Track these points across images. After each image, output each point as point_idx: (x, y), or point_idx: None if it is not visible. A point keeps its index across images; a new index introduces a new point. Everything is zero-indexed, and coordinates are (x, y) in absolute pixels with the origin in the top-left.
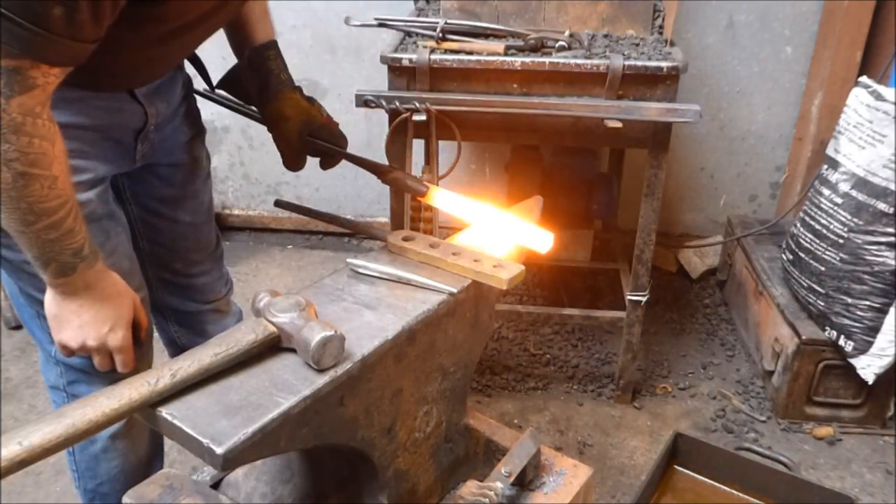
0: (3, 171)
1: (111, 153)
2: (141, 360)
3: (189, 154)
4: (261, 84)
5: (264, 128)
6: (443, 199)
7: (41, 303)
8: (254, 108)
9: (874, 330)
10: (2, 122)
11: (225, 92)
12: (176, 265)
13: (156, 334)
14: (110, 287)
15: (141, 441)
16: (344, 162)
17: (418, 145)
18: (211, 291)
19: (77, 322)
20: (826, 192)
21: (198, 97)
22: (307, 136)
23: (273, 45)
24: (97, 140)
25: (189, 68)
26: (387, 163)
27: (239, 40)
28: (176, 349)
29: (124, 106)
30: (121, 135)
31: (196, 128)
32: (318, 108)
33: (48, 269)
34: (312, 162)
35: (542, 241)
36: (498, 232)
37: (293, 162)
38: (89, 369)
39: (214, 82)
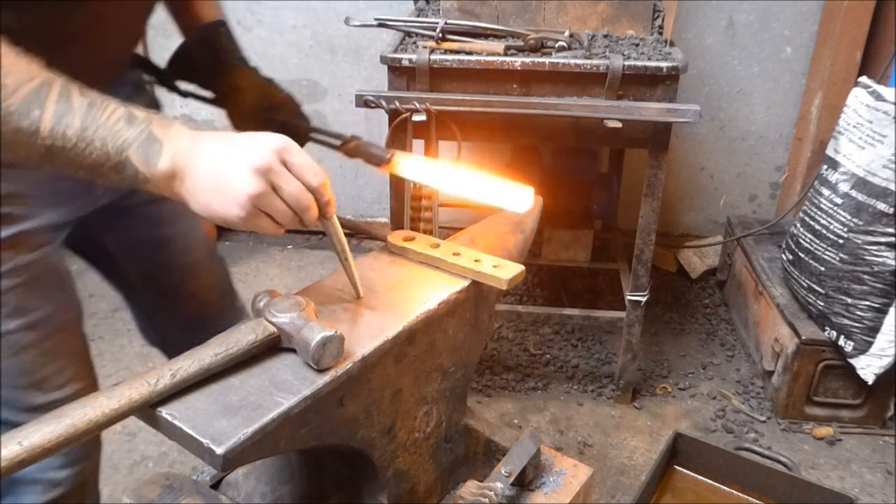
0: None
1: (61, 193)
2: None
3: None
4: (212, 59)
5: None
6: (410, 166)
7: None
8: (208, 90)
9: (874, 330)
10: None
11: (175, 75)
12: (186, 310)
13: None
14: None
15: None
16: (344, 161)
17: (418, 145)
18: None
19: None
20: (826, 192)
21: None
22: (264, 113)
23: (223, 24)
24: (38, 177)
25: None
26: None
27: (185, 23)
28: None
29: None
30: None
31: None
32: (276, 86)
33: (122, 174)
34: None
35: (522, 199)
36: (474, 194)
37: None
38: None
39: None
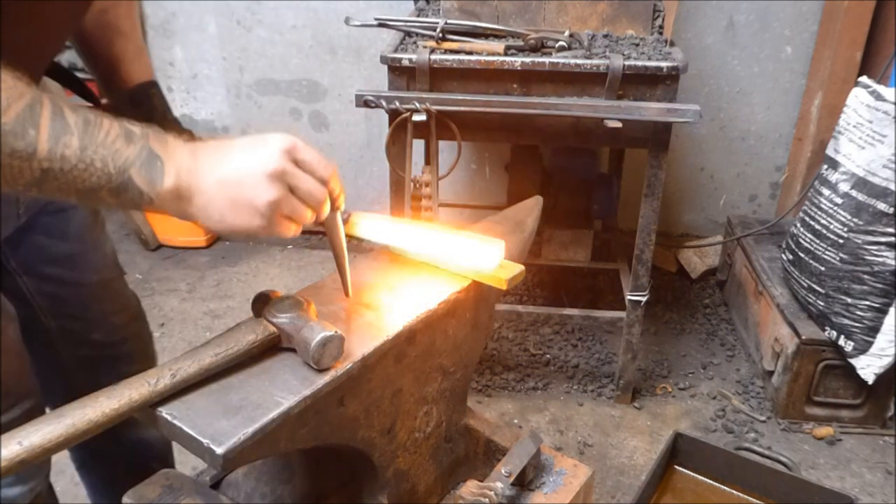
0: None
1: None
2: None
3: None
4: (144, 122)
5: (264, 128)
6: (368, 226)
7: None
8: None
9: (874, 330)
10: None
11: None
12: (95, 336)
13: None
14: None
15: None
16: (344, 161)
17: (418, 145)
18: (142, 357)
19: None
20: (826, 192)
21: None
22: None
23: (155, 85)
24: None
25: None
26: (387, 165)
27: (115, 81)
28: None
29: None
30: None
31: None
32: None
33: (123, 198)
34: None
35: (490, 254)
36: (439, 253)
37: None
38: None
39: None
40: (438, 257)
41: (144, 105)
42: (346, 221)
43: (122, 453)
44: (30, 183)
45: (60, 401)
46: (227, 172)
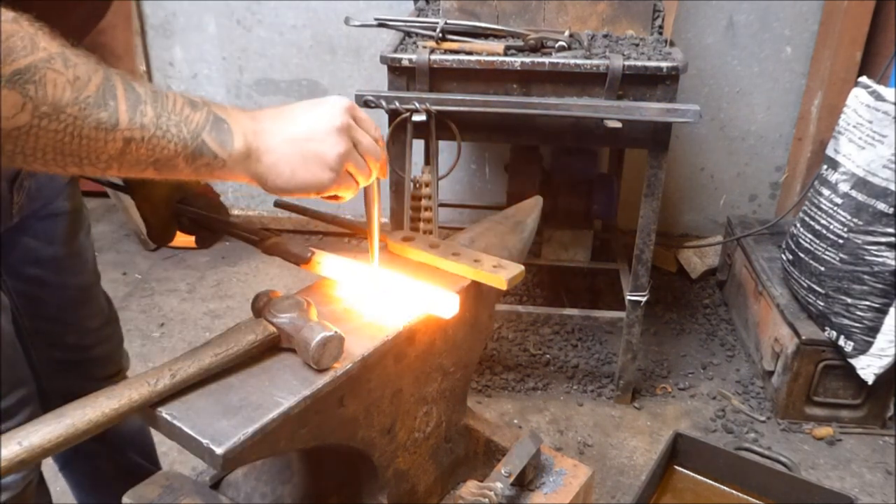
0: None
1: None
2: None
3: (71, 200)
4: None
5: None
6: (331, 266)
7: None
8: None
9: (874, 330)
10: None
11: None
12: (68, 339)
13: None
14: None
15: None
16: None
17: (418, 145)
18: (110, 361)
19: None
20: (826, 192)
21: None
22: (178, 204)
23: None
24: None
25: None
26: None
27: None
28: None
29: None
30: None
31: None
32: None
33: (196, 163)
34: None
35: (447, 303)
36: (400, 294)
37: (159, 234)
38: None
39: None
40: (396, 299)
41: None
42: (308, 260)
43: (105, 450)
44: (112, 157)
45: (46, 407)
46: (295, 130)
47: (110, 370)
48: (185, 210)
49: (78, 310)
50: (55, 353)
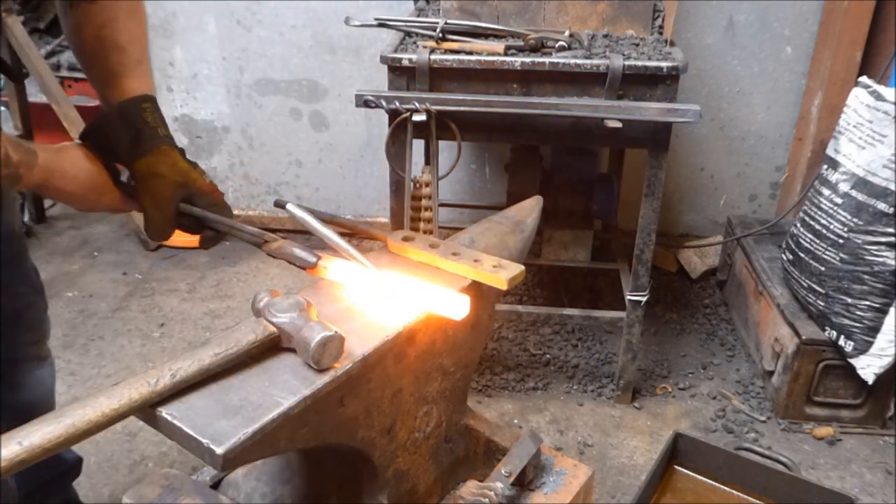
0: None
1: None
2: None
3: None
4: (133, 137)
5: (264, 128)
6: (339, 271)
7: None
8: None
9: (874, 330)
10: None
11: (92, 147)
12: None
13: None
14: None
15: None
16: (344, 161)
17: (418, 145)
18: (36, 326)
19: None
20: (826, 192)
21: None
22: (182, 203)
23: (150, 99)
24: None
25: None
26: (387, 165)
27: (108, 94)
28: None
29: None
30: None
31: None
32: (199, 173)
33: None
34: (311, 161)
35: (458, 304)
36: (408, 297)
37: (160, 229)
38: None
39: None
40: (407, 301)
41: (134, 119)
42: (315, 266)
43: None
44: None
45: None
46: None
47: (33, 335)
48: (188, 209)
49: (11, 276)
50: None
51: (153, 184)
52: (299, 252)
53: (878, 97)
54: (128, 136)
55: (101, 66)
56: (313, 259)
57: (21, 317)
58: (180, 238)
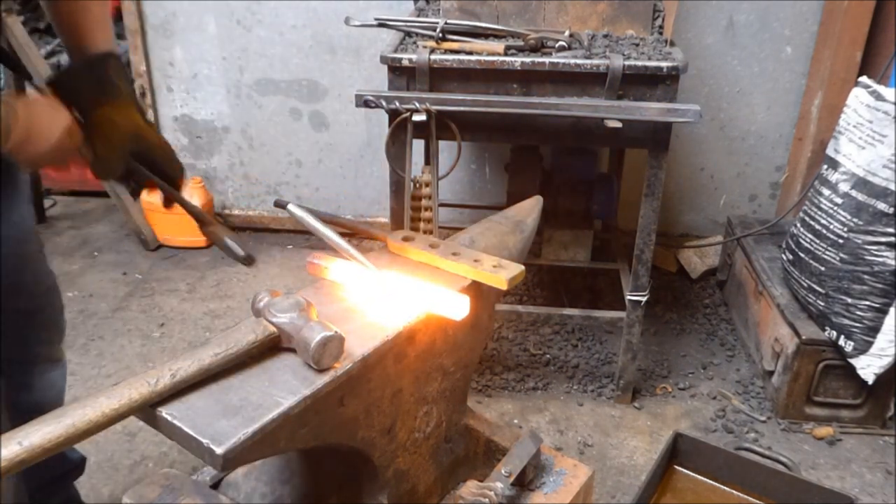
0: None
1: None
2: None
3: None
4: (94, 87)
5: (264, 128)
6: (339, 270)
7: None
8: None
9: (874, 330)
10: None
11: (58, 93)
12: (8, 304)
13: None
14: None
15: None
16: (344, 161)
17: (418, 145)
18: (54, 326)
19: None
20: (826, 192)
21: None
22: (133, 159)
23: (114, 56)
24: None
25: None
26: (387, 165)
27: (76, 48)
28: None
29: None
30: None
31: None
32: (155, 129)
33: None
34: (311, 161)
35: (457, 305)
36: (408, 297)
37: (109, 165)
38: None
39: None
40: (406, 301)
41: (98, 72)
42: (249, 264)
43: None
44: None
45: None
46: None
47: (50, 334)
48: (137, 170)
49: (24, 276)
50: (5, 317)
51: (107, 128)
52: (230, 242)
53: (878, 97)
54: (89, 86)
55: (67, 21)
56: (244, 254)
57: (35, 317)
58: (181, 238)
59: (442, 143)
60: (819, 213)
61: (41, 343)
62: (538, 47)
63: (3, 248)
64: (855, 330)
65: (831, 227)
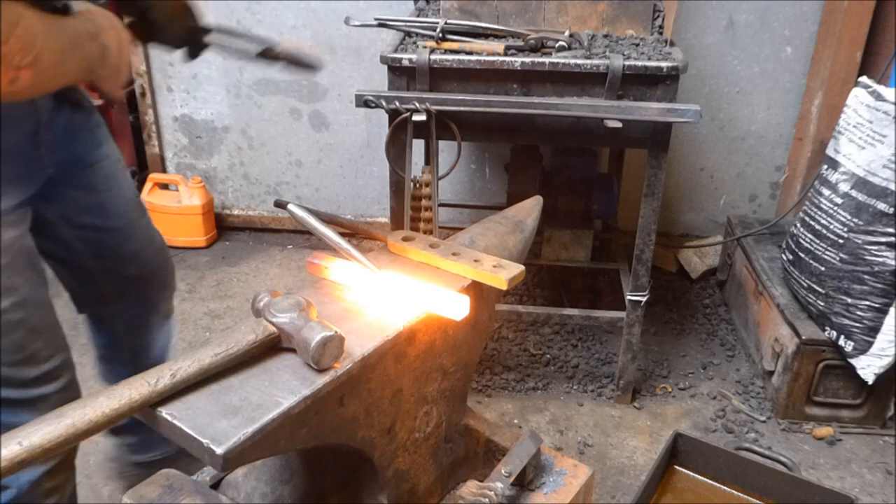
0: None
1: (14, 169)
2: None
3: (101, 148)
4: None
5: (264, 128)
6: (339, 270)
7: None
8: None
9: (874, 330)
10: None
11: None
12: (129, 271)
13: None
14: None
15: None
16: (344, 161)
17: (418, 145)
18: (167, 284)
19: None
20: (826, 192)
21: None
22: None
23: None
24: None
25: None
26: (387, 165)
27: None
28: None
29: None
30: (16, 140)
31: (88, 107)
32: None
33: None
34: (311, 161)
35: (457, 305)
36: (408, 297)
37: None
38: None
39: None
40: (407, 302)
41: None
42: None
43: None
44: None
45: (105, 325)
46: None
47: (165, 293)
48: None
49: (131, 244)
50: (120, 283)
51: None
52: (300, 54)
53: (878, 97)
54: None
55: None
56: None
57: (154, 278)
58: (181, 238)
59: (442, 143)
60: (819, 213)
61: (162, 301)
62: (538, 47)
63: (123, 219)
64: (855, 330)
65: (831, 227)
